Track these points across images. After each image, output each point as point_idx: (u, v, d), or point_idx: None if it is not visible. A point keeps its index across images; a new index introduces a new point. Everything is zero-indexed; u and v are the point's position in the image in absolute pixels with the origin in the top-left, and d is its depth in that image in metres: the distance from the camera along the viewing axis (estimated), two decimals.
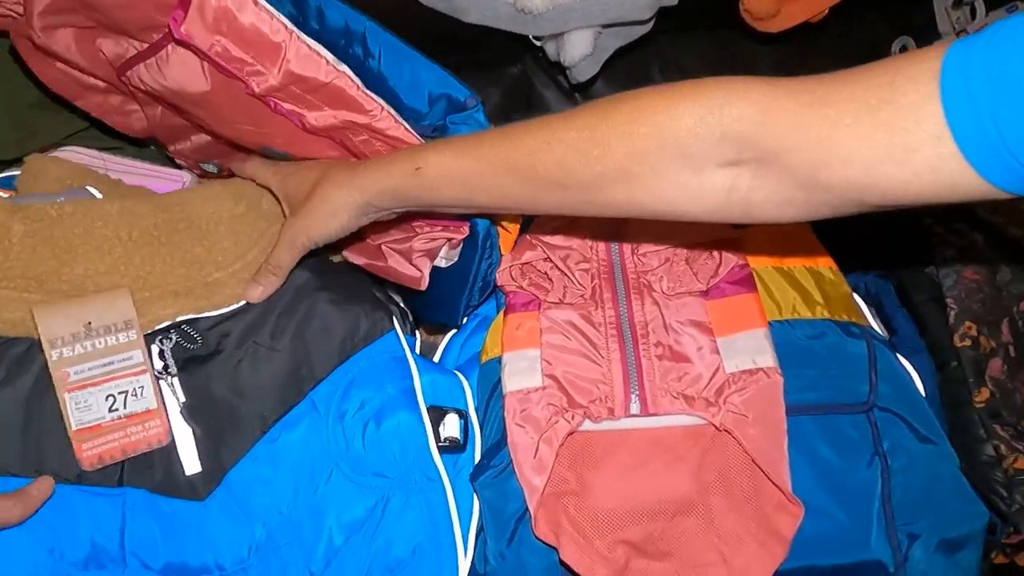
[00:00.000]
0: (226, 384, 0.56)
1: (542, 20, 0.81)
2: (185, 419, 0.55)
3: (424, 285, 0.65)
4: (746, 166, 0.46)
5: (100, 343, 0.52)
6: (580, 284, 0.64)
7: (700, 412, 0.57)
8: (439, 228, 0.63)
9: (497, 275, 0.65)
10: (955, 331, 0.73)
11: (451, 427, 0.58)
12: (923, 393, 0.65)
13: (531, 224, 0.68)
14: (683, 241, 0.66)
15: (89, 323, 0.52)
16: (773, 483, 0.56)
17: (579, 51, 0.84)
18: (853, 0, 0.95)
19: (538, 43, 0.89)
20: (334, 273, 0.63)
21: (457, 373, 0.63)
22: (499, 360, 0.61)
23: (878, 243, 0.82)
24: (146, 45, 0.55)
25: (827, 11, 0.94)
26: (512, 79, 1.02)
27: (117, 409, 0.53)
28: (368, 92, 0.55)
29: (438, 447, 0.57)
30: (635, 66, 1.00)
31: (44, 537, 0.52)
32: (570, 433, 0.57)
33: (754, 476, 0.57)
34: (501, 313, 0.64)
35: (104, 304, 0.53)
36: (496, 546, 0.56)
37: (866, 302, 0.77)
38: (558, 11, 0.80)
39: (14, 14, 0.59)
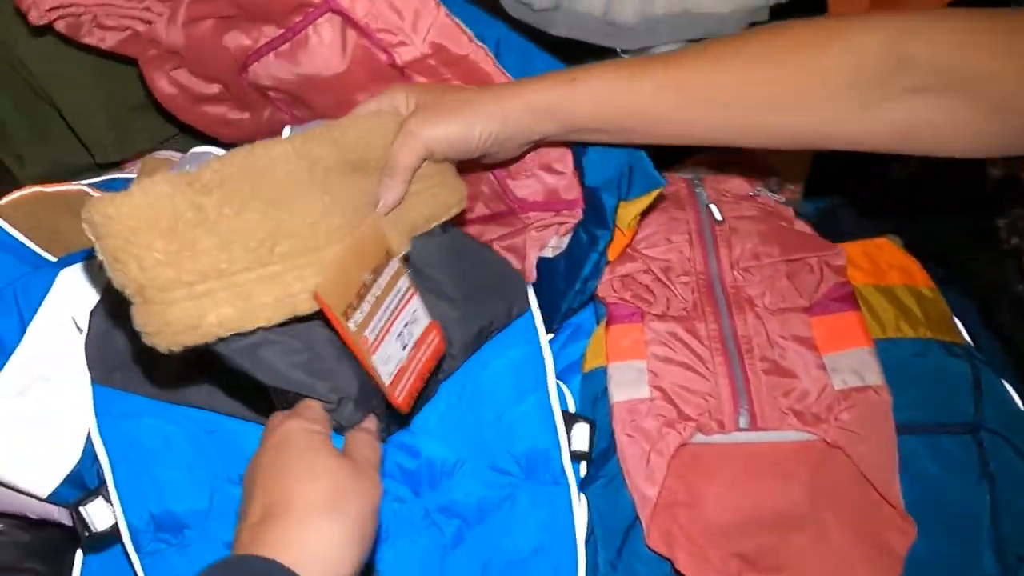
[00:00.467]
0: None
1: (632, 33, 0.81)
2: None
3: (532, 278, 0.65)
4: (931, 94, 0.44)
5: (376, 290, 0.48)
6: (682, 297, 0.64)
7: (811, 428, 0.58)
8: (551, 214, 0.63)
9: (598, 286, 0.65)
10: None
11: (579, 439, 0.57)
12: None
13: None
14: (782, 255, 0.66)
15: (361, 278, 0.47)
16: (886, 501, 0.56)
17: None
18: None
19: (625, 56, 0.89)
20: (469, 253, 0.59)
21: (559, 382, 0.64)
22: (604, 370, 0.62)
23: (963, 262, 0.81)
24: (281, 30, 0.57)
25: None
26: None
27: (407, 344, 0.50)
28: (501, 67, 0.56)
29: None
30: None
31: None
32: (682, 445, 0.57)
33: (866, 493, 0.57)
34: (602, 324, 0.64)
35: (359, 249, 0.47)
36: (606, 555, 0.56)
37: None
38: (648, 24, 0.80)
39: (141, 21, 0.61)
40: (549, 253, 0.65)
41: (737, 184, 0.74)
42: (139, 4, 0.59)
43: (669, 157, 0.81)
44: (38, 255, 0.66)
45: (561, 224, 0.63)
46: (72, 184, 0.72)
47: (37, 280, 0.62)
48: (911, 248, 0.74)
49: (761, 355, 0.61)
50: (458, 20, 0.55)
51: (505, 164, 0.62)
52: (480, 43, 0.56)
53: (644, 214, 0.67)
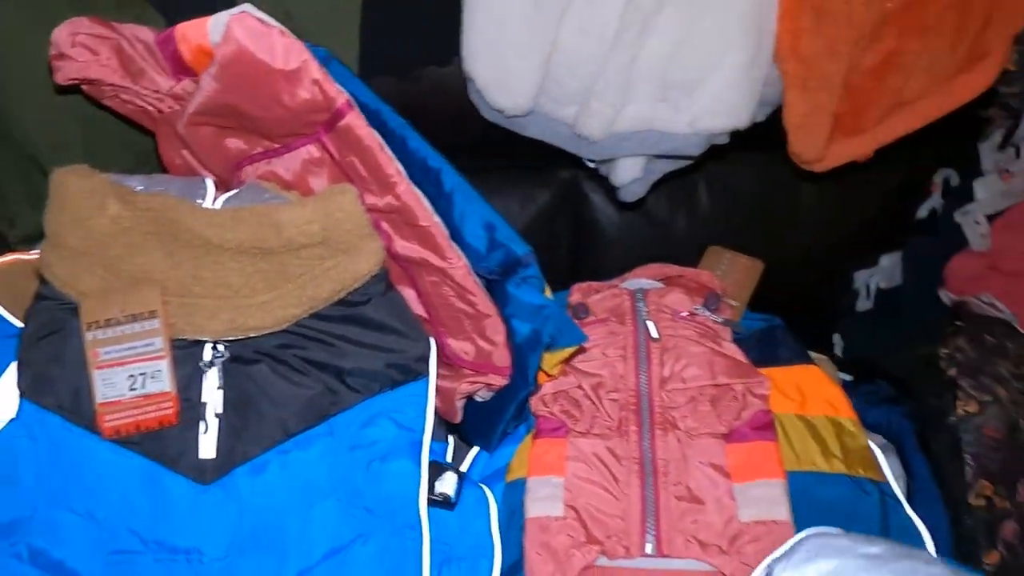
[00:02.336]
0: (259, 388, 0.60)
1: (597, 146, 0.85)
2: (214, 407, 0.60)
3: (458, 419, 0.69)
4: None
5: (128, 329, 0.59)
6: (608, 415, 0.67)
7: (712, 560, 0.60)
8: (481, 375, 0.67)
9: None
10: (970, 489, 0.74)
11: (447, 484, 0.61)
12: (934, 553, 0.66)
13: None
14: (710, 380, 0.69)
15: (121, 310, 0.59)
16: None
17: (629, 175, 0.89)
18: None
19: (591, 165, 0.94)
20: (386, 307, 0.63)
21: (483, 487, 0.66)
22: (524, 482, 0.64)
23: (913, 384, 0.83)
24: (277, 146, 0.65)
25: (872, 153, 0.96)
26: (562, 182, 1.07)
27: (136, 388, 0.59)
28: (453, 244, 0.60)
29: (429, 500, 0.60)
30: (683, 182, 1.04)
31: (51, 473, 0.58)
32: (585, 568, 0.60)
33: None
34: (530, 435, 0.67)
35: (135, 294, 0.59)
36: None
37: (887, 439, 0.79)
38: (613, 139, 0.85)
39: (154, 109, 0.66)
40: (477, 399, 0.69)
41: (677, 300, 0.75)
42: (154, 94, 0.66)
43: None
44: (10, 324, 0.70)
45: (489, 384, 0.67)
46: None
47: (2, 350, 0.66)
48: (860, 363, 0.75)
49: (676, 479, 0.64)
50: (420, 194, 0.61)
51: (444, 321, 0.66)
52: (436, 219, 0.61)
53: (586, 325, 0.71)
